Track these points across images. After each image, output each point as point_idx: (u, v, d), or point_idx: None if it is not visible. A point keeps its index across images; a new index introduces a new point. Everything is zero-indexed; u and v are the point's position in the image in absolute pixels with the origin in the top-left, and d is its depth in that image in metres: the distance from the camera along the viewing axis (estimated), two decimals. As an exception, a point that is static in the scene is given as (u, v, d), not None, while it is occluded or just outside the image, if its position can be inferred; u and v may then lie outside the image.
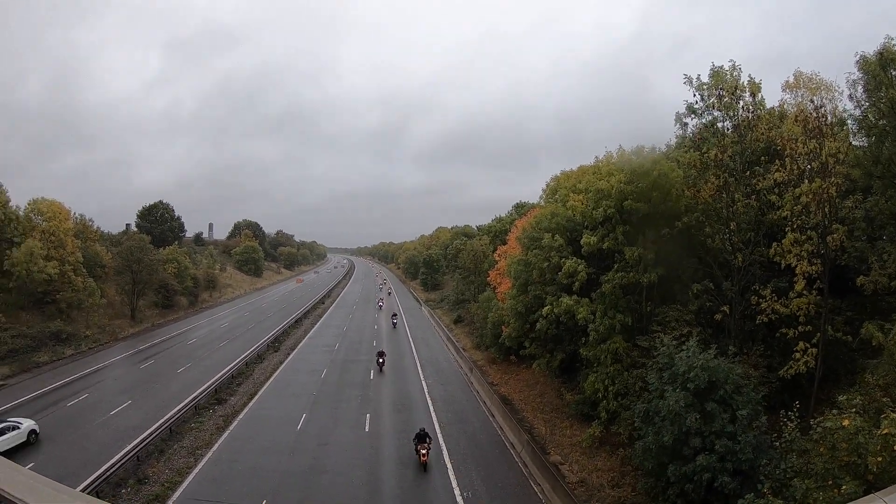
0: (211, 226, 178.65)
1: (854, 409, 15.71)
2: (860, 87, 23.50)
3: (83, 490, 23.04)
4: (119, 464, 26.44)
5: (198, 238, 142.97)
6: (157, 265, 76.25)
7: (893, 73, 22.25)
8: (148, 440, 29.60)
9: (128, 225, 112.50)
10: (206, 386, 40.05)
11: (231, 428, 33.76)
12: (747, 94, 27.77)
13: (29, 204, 61.81)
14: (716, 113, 27.98)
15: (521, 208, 78.19)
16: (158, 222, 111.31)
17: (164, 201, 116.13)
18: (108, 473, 25.33)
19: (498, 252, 59.04)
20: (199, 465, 28.22)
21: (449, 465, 29.21)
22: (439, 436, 33.38)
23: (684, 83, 28.09)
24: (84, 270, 62.64)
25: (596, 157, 37.83)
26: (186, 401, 36.37)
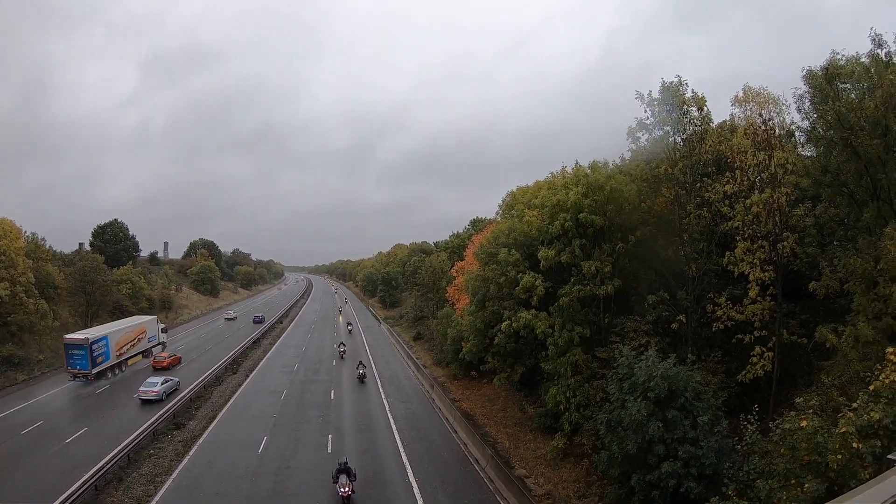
0: (166, 245, 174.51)
1: (811, 410, 16.17)
2: (807, 100, 24.37)
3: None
4: (77, 494, 25.42)
5: (153, 257, 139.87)
6: (110, 286, 74.59)
7: (840, 85, 23.11)
8: (106, 468, 28.56)
9: (81, 244, 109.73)
10: (164, 410, 38.97)
11: (191, 453, 32.84)
12: (694, 108, 28.45)
13: (-22, 221, 58.98)
14: (666, 128, 28.56)
15: (477, 224, 78.51)
16: (112, 241, 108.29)
17: (119, 220, 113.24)
18: (66, 504, 24.46)
19: (456, 268, 59.23)
20: (160, 493, 27.34)
21: (414, 484, 28.99)
22: (402, 454, 33.19)
23: (636, 99, 28.67)
24: (36, 292, 60.39)
25: (552, 172, 38.23)
26: (144, 426, 35.19)
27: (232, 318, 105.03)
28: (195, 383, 48.75)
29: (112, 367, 53.21)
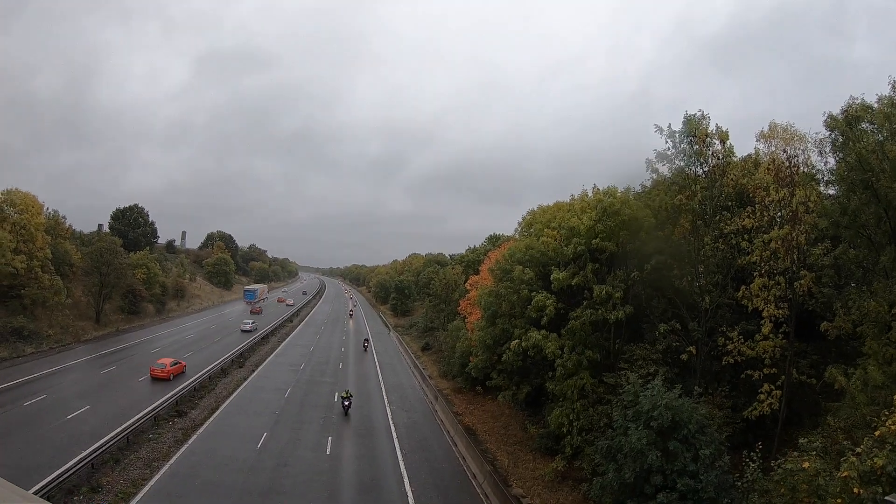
0: (184, 234, 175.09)
1: (815, 452, 16.01)
2: (828, 144, 24.40)
3: (34, 493, 22.34)
4: (73, 470, 25.53)
5: (170, 245, 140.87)
6: (126, 269, 74.86)
7: (866, 126, 23.03)
8: (104, 448, 28.61)
9: (100, 225, 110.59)
10: (167, 397, 39.09)
11: (190, 442, 32.93)
12: (717, 141, 28.39)
13: (2, 194, 60.26)
14: (689, 159, 28.52)
15: (495, 240, 78.30)
16: (132, 226, 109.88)
17: (140, 205, 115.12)
18: (61, 478, 24.46)
19: (470, 282, 58.97)
20: (155, 478, 27.38)
21: (409, 494, 28.95)
22: (401, 463, 33.17)
23: (655, 132, 28.72)
24: (52, 268, 61.27)
25: (572, 195, 38.14)
26: (146, 410, 35.35)
27: (286, 291, 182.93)
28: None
29: (257, 302, 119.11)
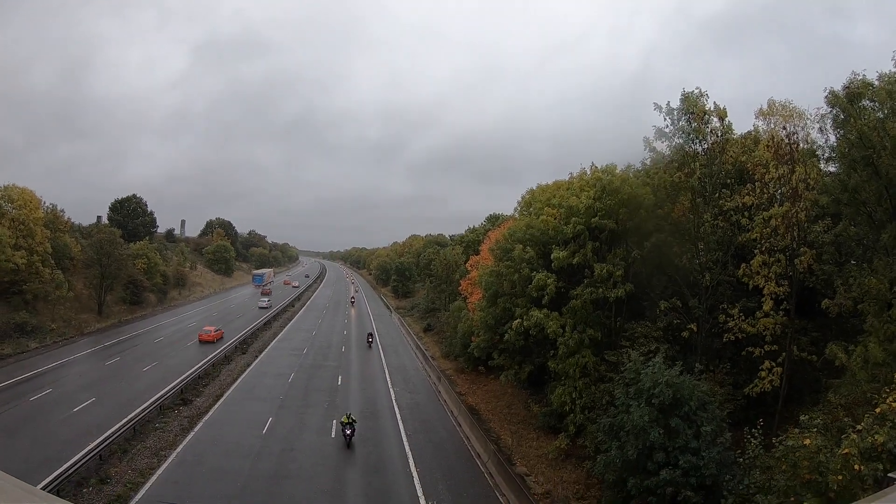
0: (183, 223, 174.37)
1: (815, 429, 16.11)
2: (829, 119, 24.27)
3: (44, 488, 22.56)
4: (81, 462, 25.69)
5: (169, 234, 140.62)
6: (126, 260, 74.93)
7: (867, 103, 22.91)
8: (111, 439, 28.84)
9: (99, 217, 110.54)
10: (171, 386, 39.31)
11: (196, 429, 33.17)
12: (715, 118, 28.28)
13: (0, 190, 60.21)
14: (688, 136, 28.43)
15: (494, 220, 78.14)
16: (131, 216, 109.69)
17: (138, 195, 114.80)
18: (70, 472, 24.63)
19: (470, 262, 58.96)
20: (163, 467, 27.65)
21: (415, 474, 29.13)
22: (405, 444, 33.36)
23: (654, 110, 28.59)
24: (52, 262, 61.44)
25: (571, 173, 38.00)
26: (151, 400, 35.62)
27: (289, 275, 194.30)
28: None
29: (266, 284, 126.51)
